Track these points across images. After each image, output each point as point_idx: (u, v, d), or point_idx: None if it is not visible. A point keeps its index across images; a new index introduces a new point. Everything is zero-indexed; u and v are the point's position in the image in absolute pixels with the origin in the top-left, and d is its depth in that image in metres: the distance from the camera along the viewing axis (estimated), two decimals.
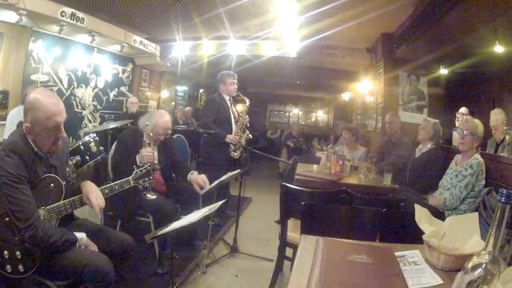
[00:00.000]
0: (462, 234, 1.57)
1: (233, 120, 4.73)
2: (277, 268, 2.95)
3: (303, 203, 2.13)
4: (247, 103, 4.86)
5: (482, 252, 1.04)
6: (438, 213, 3.19)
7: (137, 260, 3.37)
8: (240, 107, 4.98)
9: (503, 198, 1.01)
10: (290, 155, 9.06)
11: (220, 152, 4.60)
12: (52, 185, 2.03)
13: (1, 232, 1.83)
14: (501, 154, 3.88)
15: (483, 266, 1.01)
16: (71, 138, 6.27)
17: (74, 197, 2.10)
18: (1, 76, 5.19)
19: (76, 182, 2.32)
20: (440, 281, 1.38)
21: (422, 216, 1.67)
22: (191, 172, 3.65)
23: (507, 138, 4.11)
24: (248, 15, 5.69)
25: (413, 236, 1.76)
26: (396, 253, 1.55)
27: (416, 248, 1.64)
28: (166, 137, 3.62)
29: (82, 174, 4.31)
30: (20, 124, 2.00)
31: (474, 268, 1.03)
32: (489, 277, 1.00)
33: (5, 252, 1.82)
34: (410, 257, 1.56)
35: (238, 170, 3.80)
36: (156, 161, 3.50)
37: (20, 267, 1.84)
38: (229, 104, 4.78)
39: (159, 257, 3.29)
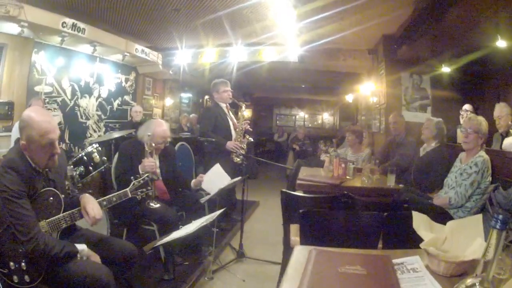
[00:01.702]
0: (464, 238, 1.51)
1: (232, 127, 4.71)
2: (282, 273, 2.93)
3: (300, 211, 2.10)
4: (243, 108, 4.87)
5: (473, 278, 0.97)
6: (444, 212, 3.17)
7: (144, 267, 3.38)
8: (246, 112, 4.98)
9: (498, 224, 0.94)
10: (296, 158, 9.05)
11: (225, 159, 4.57)
12: (51, 198, 2.07)
13: (7, 244, 1.88)
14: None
15: None
16: (76, 148, 6.34)
17: (73, 210, 2.14)
18: (6, 88, 5.26)
19: (79, 193, 2.34)
20: None
21: (420, 223, 1.61)
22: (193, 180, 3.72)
23: None
24: (248, 22, 5.70)
25: (416, 239, 1.65)
26: (395, 260, 1.49)
27: (419, 253, 1.56)
28: (166, 145, 3.63)
29: (87, 184, 4.34)
30: (17, 141, 2.06)
31: None
32: None
33: (11, 263, 1.87)
34: (409, 264, 1.49)
35: (239, 178, 3.81)
36: (158, 170, 3.51)
37: (26, 278, 1.89)
38: (226, 111, 4.78)
39: (165, 263, 3.29)
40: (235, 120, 4.80)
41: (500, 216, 0.94)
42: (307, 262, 1.45)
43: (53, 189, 2.09)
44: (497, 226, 0.94)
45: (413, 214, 1.64)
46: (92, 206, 2.15)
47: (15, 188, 1.86)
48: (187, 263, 3.56)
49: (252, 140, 4.79)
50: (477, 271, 0.96)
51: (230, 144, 4.51)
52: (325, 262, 1.45)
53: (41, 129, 1.95)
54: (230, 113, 4.85)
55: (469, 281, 0.96)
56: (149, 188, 2.51)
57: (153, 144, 3.30)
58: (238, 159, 4.54)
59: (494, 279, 0.94)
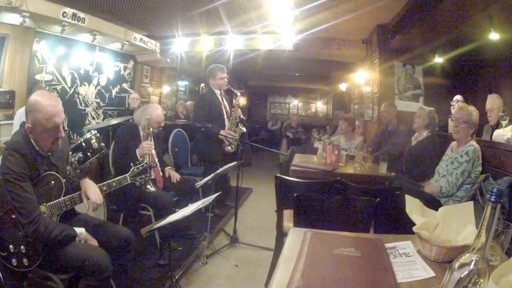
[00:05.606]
0: (456, 224, 1.52)
1: (225, 115, 4.67)
2: (275, 258, 2.97)
3: (295, 194, 2.12)
4: (238, 96, 4.79)
5: (469, 254, 0.96)
6: (435, 201, 3.17)
7: (139, 252, 3.45)
8: (241, 100, 4.92)
9: (493, 197, 0.91)
10: (290, 146, 9.12)
11: (214, 147, 4.58)
12: (53, 182, 2.10)
13: (7, 227, 1.92)
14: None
15: (471, 269, 0.93)
16: (75, 135, 6.39)
17: (73, 194, 2.17)
18: (8, 77, 5.32)
19: (78, 179, 2.37)
20: (432, 274, 1.31)
21: (413, 207, 1.62)
22: (169, 167, 3.86)
23: (503, 125, 4.10)
24: (244, 10, 5.72)
25: (408, 225, 1.62)
26: (387, 245, 1.52)
27: (409, 239, 1.58)
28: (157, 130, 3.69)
29: (86, 170, 4.38)
30: (22, 124, 2.07)
31: (462, 269, 0.95)
32: (479, 279, 0.93)
33: (11, 246, 1.91)
34: (401, 249, 1.51)
35: (234, 163, 3.84)
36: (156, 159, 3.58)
37: (25, 261, 1.93)
38: (220, 98, 4.70)
39: (161, 249, 3.36)
40: (228, 108, 4.75)
41: (494, 189, 0.91)
42: (303, 243, 1.48)
43: (54, 173, 2.11)
44: (492, 199, 0.92)
45: (406, 198, 1.65)
46: (93, 191, 2.18)
47: (18, 170, 1.89)
48: (181, 248, 3.63)
49: (245, 130, 4.73)
50: (474, 245, 0.95)
51: (223, 133, 4.49)
52: (320, 244, 1.47)
53: (47, 112, 1.97)
54: (224, 100, 4.78)
55: (465, 257, 0.96)
56: (147, 174, 2.55)
57: (151, 129, 3.37)
58: (230, 148, 4.55)
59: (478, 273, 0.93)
